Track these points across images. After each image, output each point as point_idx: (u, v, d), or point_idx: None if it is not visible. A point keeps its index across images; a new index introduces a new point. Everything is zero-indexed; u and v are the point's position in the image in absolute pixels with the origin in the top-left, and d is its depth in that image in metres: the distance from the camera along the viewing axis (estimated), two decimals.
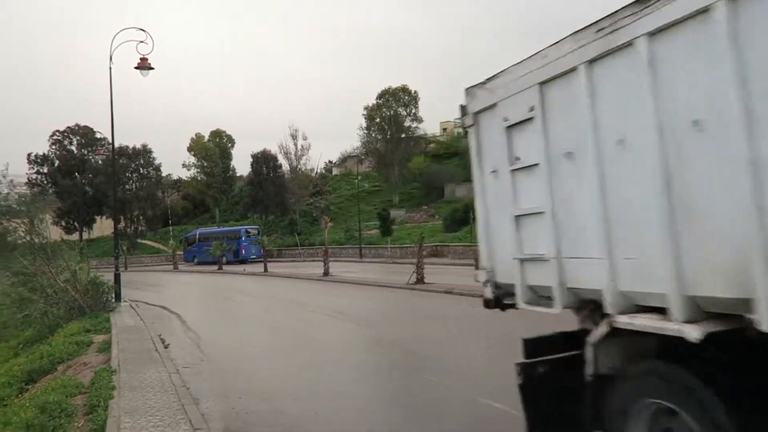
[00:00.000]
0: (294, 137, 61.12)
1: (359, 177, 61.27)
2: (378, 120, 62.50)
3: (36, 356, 12.39)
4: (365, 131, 63.87)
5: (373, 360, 9.91)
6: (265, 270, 33.03)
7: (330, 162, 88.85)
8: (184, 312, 17.85)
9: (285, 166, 61.87)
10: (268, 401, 7.62)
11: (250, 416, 6.99)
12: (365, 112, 63.14)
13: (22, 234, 18.55)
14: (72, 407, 7.31)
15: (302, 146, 61.64)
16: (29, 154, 64.24)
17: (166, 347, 11.66)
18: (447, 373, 8.69)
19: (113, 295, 19.53)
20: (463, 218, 41.23)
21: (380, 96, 62.61)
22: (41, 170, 64.56)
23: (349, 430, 6.47)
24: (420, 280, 20.56)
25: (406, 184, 63.50)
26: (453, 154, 70.34)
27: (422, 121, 63.81)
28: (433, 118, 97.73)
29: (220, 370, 9.80)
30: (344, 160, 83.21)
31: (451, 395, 7.54)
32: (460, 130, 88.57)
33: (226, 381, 8.88)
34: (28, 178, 60.53)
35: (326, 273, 26.87)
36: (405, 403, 7.45)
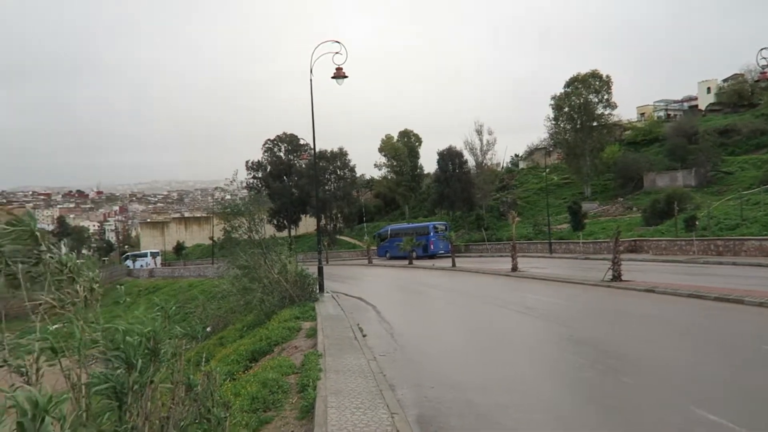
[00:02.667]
0: (479, 132, 60.95)
1: (547, 169, 59.06)
2: (566, 109, 59.57)
3: (257, 338, 14.07)
4: (553, 122, 61.29)
5: (565, 358, 9.57)
6: (453, 265, 33.54)
7: (516, 156, 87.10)
8: (378, 303, 18.93)
9: (471, 161, 61.98)
10: (459, 392, 7.81)
11: (442, 405, 7.25)
12: (552, 102, 60.60)
13: (244, 231, 21.15)
14: (287, 385, 8.25)
15: (488, 141, 61.20)
16: (247, 162, 73.06)
17: (363, 336, 12.51)
18: (648, 376, 8.08)
19: (317, 287, 21.36)
20: (665, 210, 37.55)
21: (568, 84, 59.60)
22: (256, 175, 72.91)
23: (540, 426, 6.37)
24: (617, 277, 19.26)
25: (598, 175, 59.64)
26: (652, 141, 64.34)
27: (616, 107, 59.30)
28: (628, 103, 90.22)
29: (413, 359, 10.26)
30: (531, 152, 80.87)
31: (654, 401, 7.01)
32: (661, 113, 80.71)
33: (418, 370, 9.28)
34: (246, 183, 68.94)
35: (514, 268, 26.45)
36: (600, 405, 7.12)
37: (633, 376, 8.03)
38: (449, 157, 61.76)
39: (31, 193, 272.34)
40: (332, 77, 21.37)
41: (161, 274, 58.94)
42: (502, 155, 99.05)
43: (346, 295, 22.30)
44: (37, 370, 4.30)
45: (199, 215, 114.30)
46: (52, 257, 4.65)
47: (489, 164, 62.08)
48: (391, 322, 14.82)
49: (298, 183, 69.40)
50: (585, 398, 7.45)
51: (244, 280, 20.62)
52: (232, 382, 9.22)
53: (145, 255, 73.11)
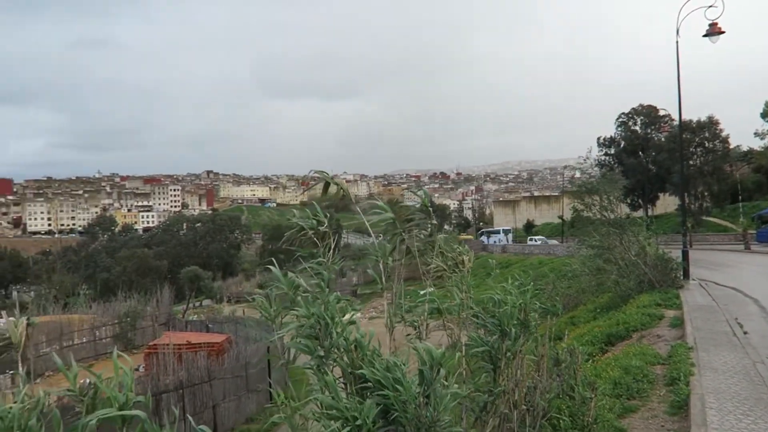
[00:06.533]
0: None
1: None
2: None
3: (612, 322, 13.50)
4: None
5: None
6: None
7: None
8: (762, 297, 15.99)
9: None
10: None
11: None
12: None
13: (597, 210, 20.43)
14: (652, 375, 7.67)
15: None
16: (598, 138, 70.11)
17: (744, 333, 10.76)
18: None
19: (681, 272, 19.32)
20: None
21: None
22: (608, 152, 69.46)
23: None
24: None
25: None
26: None
27: None
28: None
29: None
30: None
31: None
32: None
33: None
34: (597, 160, 66.41)
35: None
36: None
37: None
38: None
39: (405, 175, 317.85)
40: (704, 35, 18.71)
41: (513, 250, 61.67)
42: None
43: (717, 284, 19.50)
44: (427, 326, 4.97)
45: (548, 194, 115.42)
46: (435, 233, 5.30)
47: None
48: None
49: (655, 158, 63.55)
50: None
51: (598, 260, 20.02)
52: (591, 363, 9.04)
53: (497, 232, 77.59)
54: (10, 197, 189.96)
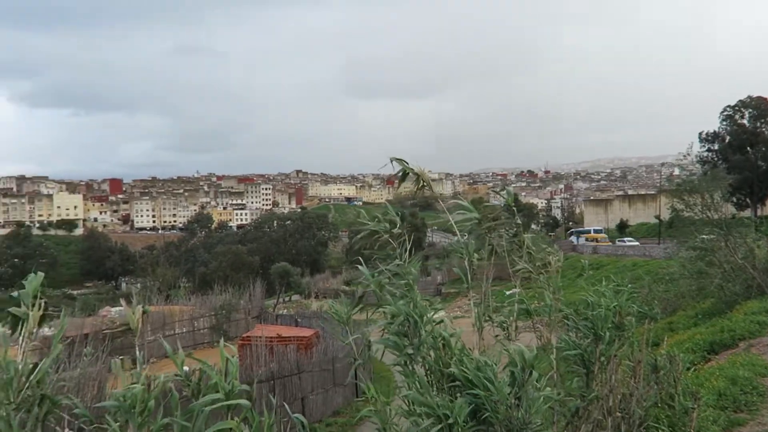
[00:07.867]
0: None
1: None
2: None
3: (716, 329, 12.68)
4: None
5: None
6: None
7: None
8: None
9: None
10: None
11: None
12: None
13: (699, 210, 19.25)
14: (762, 387, 7.15)
15: None
16: (700, 133, 65.81)
17: None
18: None
19: None
20: None
21: None
22: (711, 147, 65.09)
23: None
24: None
25: None
26: None
27: None
28: None
29: None
30: None
31: None
32: None
33: None
34: (699, 156, 62.36)
35: None
36: None
37: None
38: None
39: (491, 174, 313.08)
40: None
41: (604, 251, 59.14)
42: None
43: None
44: (516, 327, 4.89)
45: (643, 192, 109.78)
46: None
47: None
48: None
49: (766, 154, 58.92)
50: None
51: (699, 263, 18.85)
52: (692, 372, 8.55)
53: (588, 231, 74.66)
54: (120, 196, 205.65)
